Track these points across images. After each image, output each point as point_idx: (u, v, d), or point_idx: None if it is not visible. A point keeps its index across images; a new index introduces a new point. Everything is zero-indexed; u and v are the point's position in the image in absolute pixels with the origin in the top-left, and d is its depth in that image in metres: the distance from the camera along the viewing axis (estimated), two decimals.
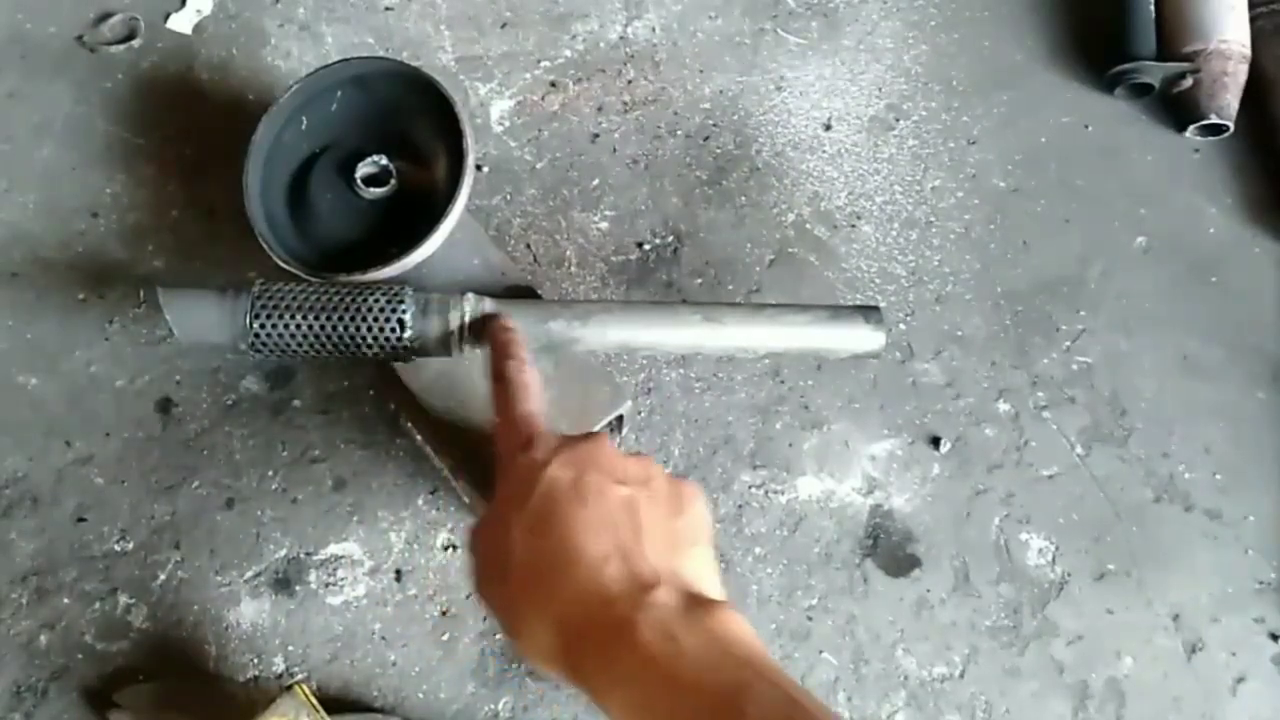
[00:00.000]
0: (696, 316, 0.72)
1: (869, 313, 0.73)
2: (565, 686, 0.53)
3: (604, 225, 0.87)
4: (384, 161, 0.75)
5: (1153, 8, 0.95)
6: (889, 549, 0.80)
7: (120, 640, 0.73)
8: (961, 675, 0.77)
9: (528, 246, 0.86)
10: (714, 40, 0.96)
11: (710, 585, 0.52)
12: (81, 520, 0.75)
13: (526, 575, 0.52)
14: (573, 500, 0.52)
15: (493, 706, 0.73)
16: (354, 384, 0.80)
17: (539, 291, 0.74)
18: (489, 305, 0.70)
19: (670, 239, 0.88)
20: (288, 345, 0.67)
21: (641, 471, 0.55)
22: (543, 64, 0.93)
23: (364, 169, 0.74)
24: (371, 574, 0.76)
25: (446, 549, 0.77)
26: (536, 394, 0.61)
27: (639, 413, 0.82)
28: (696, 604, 0.48)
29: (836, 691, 0.76)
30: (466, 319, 0.68)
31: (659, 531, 0.52)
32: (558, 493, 0.53)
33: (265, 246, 0.72)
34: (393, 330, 0.67)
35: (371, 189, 0.75)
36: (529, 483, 0.54)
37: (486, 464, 0.71)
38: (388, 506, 0.78)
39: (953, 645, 0.78)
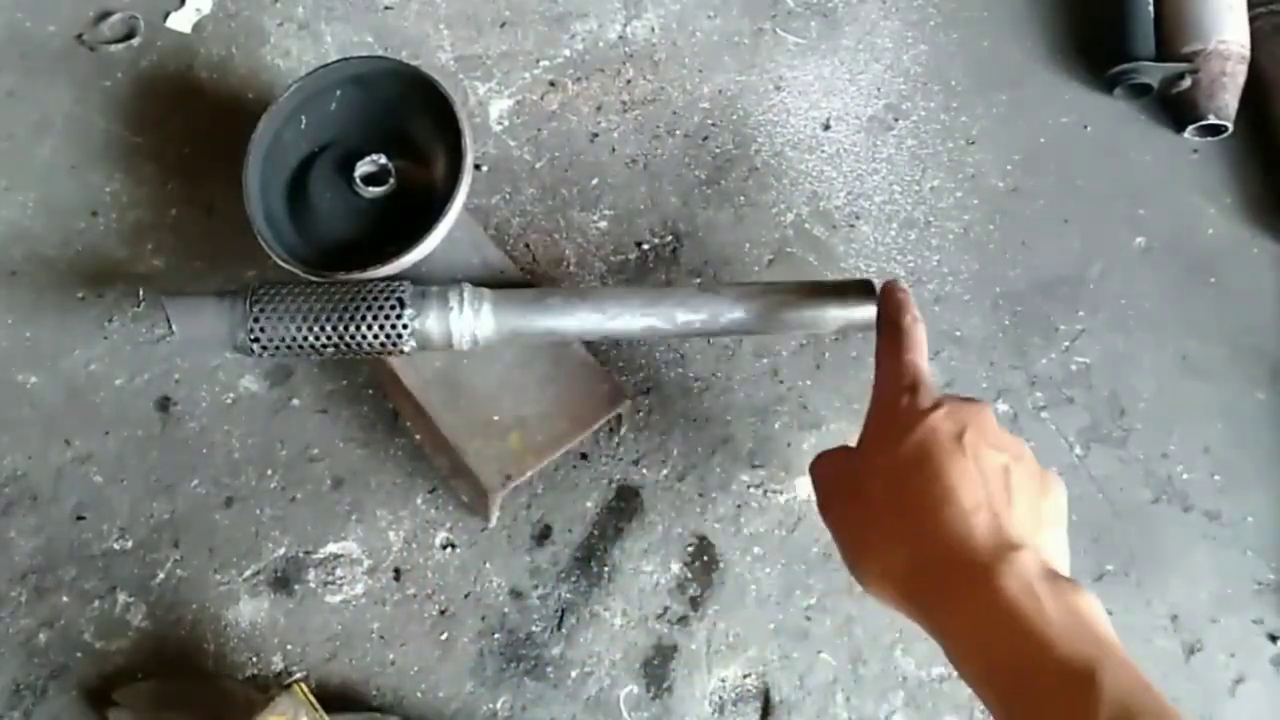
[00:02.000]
0: (692, 295, 0.73)
1: (862, 285, 0.74)
2: (888, 609, 0.56)
3: (603, 225, 0.88)
4: (383, 160, 0.75)
5: (1152, 8, 0.95)
6: None
7: (119, 639, 0.73)
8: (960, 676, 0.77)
9: (527, 246, 0.86)
10: (713, 40, 0.96)
11: (1064, 568, 0.54)
12: (80, 518, 0.75)
13: (890, 505, 0.56)
14: (952, 451, 0.55)
15: (491, 705, 0.73)
16: (353, 383, 0.80)
17: None
18: (486, 295, 0.71)
19: (669, 238, 0.88)
20: (288, 345, 0.68)
21: (1016, 446, 0.57)
22: (542, 63, 0.93)
23: (363, 168, 0.75)
24: (370, 573, 0.76)
25: (445, 548, 0.77)
26: (924, 348, 0.65)
27: (638, 412, 0.82)
28: (1057, 576, 0.51)
29: (835, 692, 0.76)
30: (464, 309, 0.69)
31: (1026, 504, 0.55)
32: (938, 439, 0.56)
33: (264, 245, 0.72)
34: (392, 327, 0.67)
35: (370, 188, 0.75)
36: (908, 424, 0.57)
37: (483, 463, 0.71)
38: (386, 505, 0.78)
39: None
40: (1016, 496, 0.54)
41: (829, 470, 0.63)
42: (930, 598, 0.53)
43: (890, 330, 0.66)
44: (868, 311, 0.74)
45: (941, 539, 0.53)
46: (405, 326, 0.68)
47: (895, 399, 0.60)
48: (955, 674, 0.76)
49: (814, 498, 0.66)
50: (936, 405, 0.58)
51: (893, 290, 0.69)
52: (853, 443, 0.65)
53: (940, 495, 0.54)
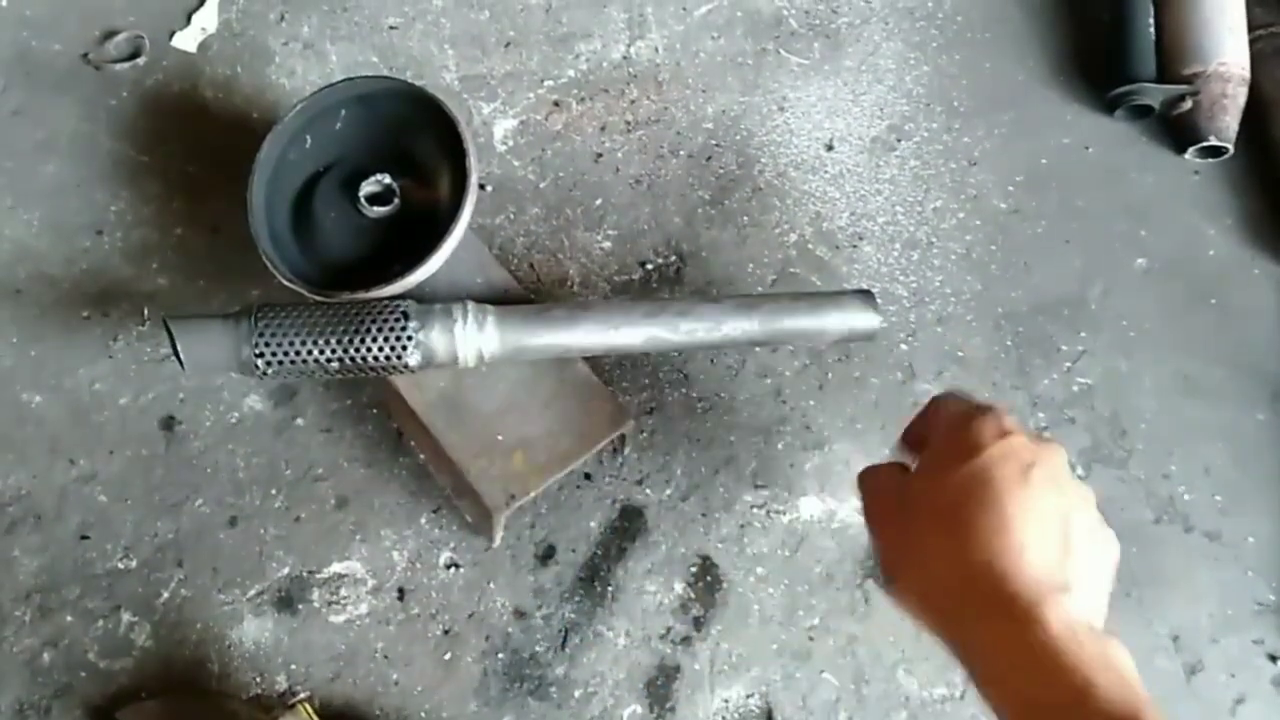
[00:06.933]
0: (694, 305, 0.73)
1: (863, 295, 0.75)
2: (916, 626, 0.58)
3: (607, 244, 0.88)
4: (387, 180, 0.75)
5: (1153, 30, 0.95)
6: None
7: (123, 658, 0.73)
8: (962, 696, 0.77)
9: (531, 266, 0.86)
10: (716, 61, 0.96)
11: (1100, 625, 0.54)
12: (84, 538, 0.75)
13: (941, 522, 0.55)
14: (1016, 483, 0.54)
15: None
16: (357, 402, 0.80)
17: None
18: (490, 310, 0.71)
19: (673, 258, 0.88)
20: (293, 364, 0.68)
21: (1083, 493, 0.57)
22: (546, 83, 0.93)
23: (368, 187, 0.75)
24: (374, 592, 0.76)
25: (449, 567, 0.77)
26: None
27: (641, 432, 0.82)
28: (1095, 628, 0.52)
29: (838, 712, 0.76)
30: (468, 325, 0.69)
31: (1081, 555, 0.55)
32: (1006, 468, 0.55)
33: (269, 265, 0.72)
34: (397, 342, 0.68)
35: (375, 207, 0.75)
36: (978, 445, 0.56)
37: (486, 482, 0.71)
38: (390, 525, 0.78)
39: (954, 666, 0.77)
40: (1074, 545, 0.54)
41: (877, 482, 0.63)
42: (967, 621, 0.53)
43: None
44: (868, 320, 0.74)
45: (991, 567, 0.53)
46: (410, 339, 0.68)
47: (969, 418, 0.59)
48: (958, 694, 0.76)
49: (859, 509, 0.65)
50: (1010, 433, 0.57)
51: None
52: (855, 462, 0.65)
53: (995, 524, 0.53)
